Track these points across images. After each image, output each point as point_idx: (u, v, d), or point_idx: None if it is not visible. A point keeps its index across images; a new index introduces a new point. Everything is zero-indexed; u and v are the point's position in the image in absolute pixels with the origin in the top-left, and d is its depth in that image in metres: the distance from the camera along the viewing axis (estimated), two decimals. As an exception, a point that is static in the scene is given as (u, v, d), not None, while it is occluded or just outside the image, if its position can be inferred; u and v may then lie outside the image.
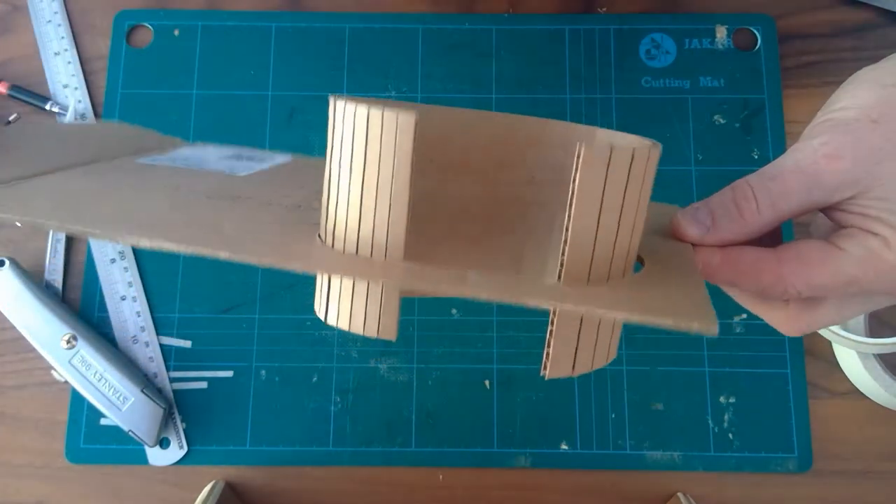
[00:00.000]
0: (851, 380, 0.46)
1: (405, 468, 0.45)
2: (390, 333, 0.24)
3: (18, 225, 0.48)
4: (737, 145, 0.48)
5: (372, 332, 0.24)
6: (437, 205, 0.30)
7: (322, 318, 0.25)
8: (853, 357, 0.44)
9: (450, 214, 0.31)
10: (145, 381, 0.44)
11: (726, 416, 0.45)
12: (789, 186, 0.25)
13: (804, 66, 0.50)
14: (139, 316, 0.46)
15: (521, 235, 0.31)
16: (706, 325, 0.20)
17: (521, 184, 0.31)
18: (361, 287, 0.24)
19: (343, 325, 0.24)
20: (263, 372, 0.46)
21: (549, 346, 0.23)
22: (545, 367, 0.23)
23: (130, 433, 0.43)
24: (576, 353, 0.23)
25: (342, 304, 0.24)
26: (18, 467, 0.45)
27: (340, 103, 0.23)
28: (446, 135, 0.30)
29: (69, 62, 0.50)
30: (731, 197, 0.27)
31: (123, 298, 0.47)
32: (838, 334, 0.43)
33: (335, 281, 0.24)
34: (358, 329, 0.24)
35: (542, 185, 0.31)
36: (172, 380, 0.46)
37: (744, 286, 0.27)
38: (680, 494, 0.43)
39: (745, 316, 0.46)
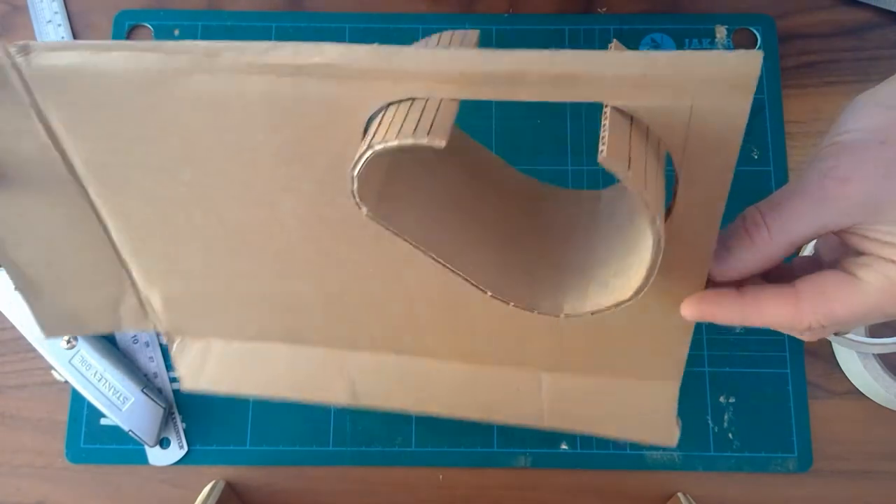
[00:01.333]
0: (851, 380, 0.46)
1: (405, 468, 0.45)
2: (442, 136, 0.24)
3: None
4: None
5: (422, 135, 0.24)
6: (462, 209, 0.33)
7: (367, 152, 0.25)
8: (853, 357, 0.44)
9: (471, 221, 0.33)
10: (145, 381, 0.44)
11: (726, 416, 0.45)
12: (800, 211, 0.25)
13: (804, 66, 0.50)
14: (139, 316, 0.46)
15: (536, 254, 0.33)
16: None
17: (536, 218, 0.35)
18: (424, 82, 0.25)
19: (391, 136, 0.24)
20: (263, 372, 0.46)
21: (604, 130, 0.23)
22: (602, 152, 0.23)
23: (130, 433, 0.43)
24: (630, 146, 0.24)
25: (396, 116, 0.25)
26: (18, 467, 0.45)
27: None
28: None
29: (69, 62, 0.50)
30: (742, 226, 0.27)
31: (123, 298, 0.47)
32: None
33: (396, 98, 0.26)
34: (407, 134, 0.24)
35: (556, 231, 0.34)
36: (173, 379, 0.46)
37: (767, 325, 0.27)
38: (680, 494, 0.43)
39: (745, 316, 0.46)
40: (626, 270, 0.28)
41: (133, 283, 0.37)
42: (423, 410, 0.38)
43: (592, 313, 0.29)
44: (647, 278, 0.27)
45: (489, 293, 0.30)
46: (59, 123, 0.32)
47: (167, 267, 0.36)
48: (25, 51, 0.29)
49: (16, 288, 0.37)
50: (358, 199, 0.27)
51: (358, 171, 0.26)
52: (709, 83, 0.24)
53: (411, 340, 0.36)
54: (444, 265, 0.29)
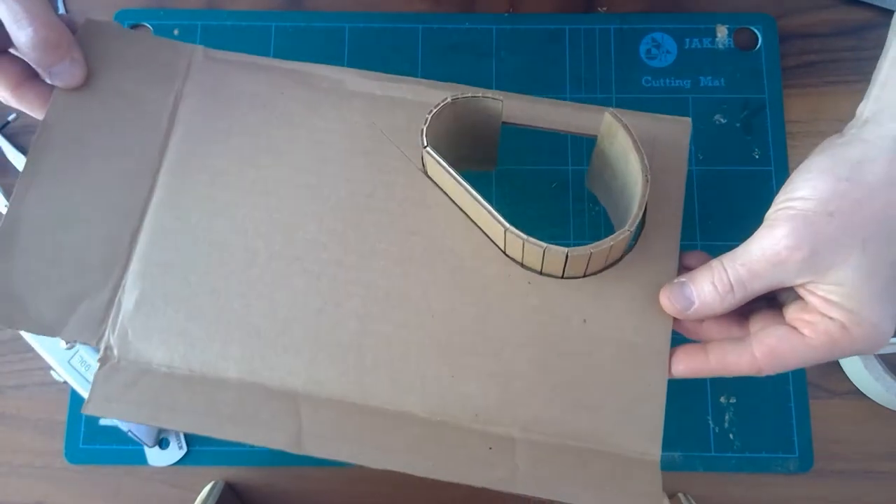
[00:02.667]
0: (852, 380, 0.45)
1: (405, 468, 0.44)
2: (499, 96, 0.36)
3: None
4: (737, 145, 0.48)
5: (485, 93, 0.36)
6: None
7: (446, 99, 0.36)
8: (854, 357, 0.44)
9: None
10: (145, 382, 0.44)
11: (727, 417, 0.45)
12: (758, 272, 0.30)
13: (805, 65, 0.50)
14: (139, 316, 0.46)
15: None
16: None
17: None
18: None
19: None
20: (263, 372, 0.45)
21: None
22: (609, 109, 0.36)
23: (130, 433, 0.43)
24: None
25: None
26: (18, 467, 0.45)
27: None
28: None
29: (69, 62, 0.50)
30: (710, 279, 0.32)
31: (123, 298, 0.46)
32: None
33: None
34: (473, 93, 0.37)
35: None
36: (172, 380, 0.46)
37: (731, 375, 0.33)
38: (681, 495, 0.43)
39: (745, 316, 0.46)
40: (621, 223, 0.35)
41: (123, 274, 0.36)
42: (377, 465, 0.35)
43: (593, 252, 0.33)
44: (640, 207, 0.33)
45: (507, 227, 0.34)
46: (188, 108, 0.39)
47: (171, 257, 0.37)
48: (207, 54, 0.40)
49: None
50: (425, 137, 0.35)
51: (433, 113, 0.35)
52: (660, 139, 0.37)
53: (389, 380, 0.35)
54: (474, 197, 0.34)
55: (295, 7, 0.51)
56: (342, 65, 0.50)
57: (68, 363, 0.44)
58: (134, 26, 0.51)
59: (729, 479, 0.44)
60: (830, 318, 0.30)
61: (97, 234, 0.37)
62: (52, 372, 0.45)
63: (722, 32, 0.50)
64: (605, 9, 0.51)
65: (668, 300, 0.34)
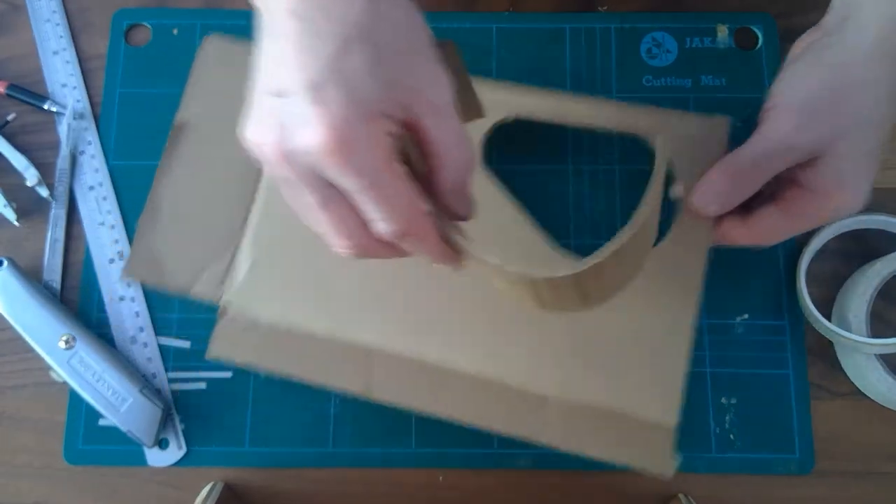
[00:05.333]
0: (853, 380, 0.45)
1: (405, 469, 0.44)
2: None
3: (17, 224, 0.47)
4: (738, 144, 0.48)
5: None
6: None
7: (505, 118, 0.43)
8: (855, 357, 0.44)
9: None
10: (144, 382, 0.44)
11: (728, 418, 0.44)
12: (775, 163, 0.36)
13: (806, 65, 0.50)
14: (138, 316, 0.46)
15: None
16: None
17: None
18: None
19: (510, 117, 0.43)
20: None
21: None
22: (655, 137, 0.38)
23: (129, 434, 0.43)
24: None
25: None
26: (17, 468, 0.45)
27: None
28: None
29: (67, 61, 0.50)
30: (731, 173, 0.38)
31: (122, 299, 0.46)
32: (840, 335, 0.43)
33: None
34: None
35: None
36: (171, 380, 0.45)
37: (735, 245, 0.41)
38: (681, 495, 0.43)
39: (746, 316, 0.46)
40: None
41: (237, 247, 0.45)
42: (429, 412, 0.41)
43: (615, 251, 0.33)
44: (646, 204, 0.34)
45: (540, 237, 0.40)
46: None
47: (276, 234, 0.45)
48: None
49: (142, 217, 0.46)
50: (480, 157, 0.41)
51: (487, 136, 0.43)
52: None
53: (441, 339, 0.42)
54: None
55: (294, 6, 0.51)
56: (342, 64, 0.50)
57: (68, 363, 0.44)
58: (132, 26, 0.50)
59: (730, 481, 0.44)
60: (812, 191, 0.36)
61: (218, 213, 0.46)
62: (51, 372, 0.45)
63: (723, 32, 0.50)
64: (605, 8, 0.51)
65: (700, 203, 0.39)
